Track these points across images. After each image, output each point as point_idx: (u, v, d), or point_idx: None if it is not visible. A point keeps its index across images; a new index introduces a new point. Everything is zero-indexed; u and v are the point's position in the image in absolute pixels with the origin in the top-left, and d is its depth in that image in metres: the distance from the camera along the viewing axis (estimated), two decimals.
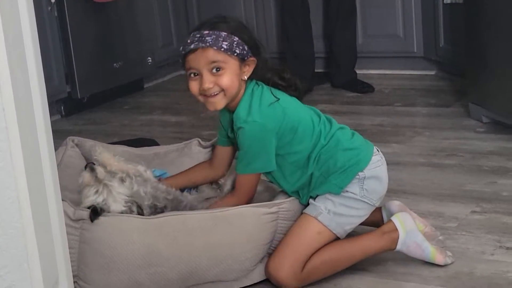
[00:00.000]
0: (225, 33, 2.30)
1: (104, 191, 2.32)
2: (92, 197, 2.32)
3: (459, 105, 4.03)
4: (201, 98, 2.35)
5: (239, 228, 2.32)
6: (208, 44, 2.28)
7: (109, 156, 2.43)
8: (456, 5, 4.22)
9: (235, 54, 2.31)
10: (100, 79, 4.56)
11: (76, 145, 2.96)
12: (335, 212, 2.35)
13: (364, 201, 2.37)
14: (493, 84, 3.56)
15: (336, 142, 2.37)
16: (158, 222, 2.32)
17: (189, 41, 2.32)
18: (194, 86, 2.33)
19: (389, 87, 4.57)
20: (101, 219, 2.32)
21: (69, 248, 2.23)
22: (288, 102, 2.39)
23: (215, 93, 2.32)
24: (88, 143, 3.02)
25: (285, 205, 2.40)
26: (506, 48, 3.41)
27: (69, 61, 4.37)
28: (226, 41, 2.29)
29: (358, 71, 4.70)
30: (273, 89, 2.40)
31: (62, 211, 1.85)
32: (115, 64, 4.65)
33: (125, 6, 4.67)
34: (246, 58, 2.34)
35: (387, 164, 2.47)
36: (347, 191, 2.36)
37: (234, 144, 2.50)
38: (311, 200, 2.40)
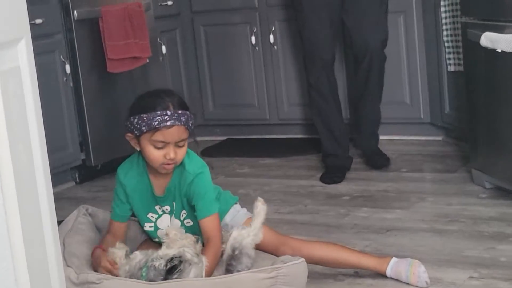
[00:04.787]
0: (189, 113, 2.66)
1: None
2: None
3: (464, 170, 4.09)
4: (156, 164, 2.66)
5: None
6: (182, 123, 2.62)
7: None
8: (459, 73, 4.32)
9: (191, 129, 2.67)
10: (113, 147, 4.65)
11: (89, 214, 3.07)
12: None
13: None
14: (495, 150, 3.63)
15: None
16: (160, 287, 2.40)
17: (166, 117, 2.59)
18: (158, 155, 2.64)
19: (397, 152, 4.64)
20: (105, 282, 2.41)
21: None
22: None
23: (172, 162, 2.65)
24: (102, 213, 3.12)
25: (284, 270, 2.48)
26: (507, 114, 3.48)
27: (83, 129, 4.49)
28: (191, 120, 2.65)
29: None
30: None
31: (64, 277, 1.92)
32: None
33: (139, 77, 4.79)
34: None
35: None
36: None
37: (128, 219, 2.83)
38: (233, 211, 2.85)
